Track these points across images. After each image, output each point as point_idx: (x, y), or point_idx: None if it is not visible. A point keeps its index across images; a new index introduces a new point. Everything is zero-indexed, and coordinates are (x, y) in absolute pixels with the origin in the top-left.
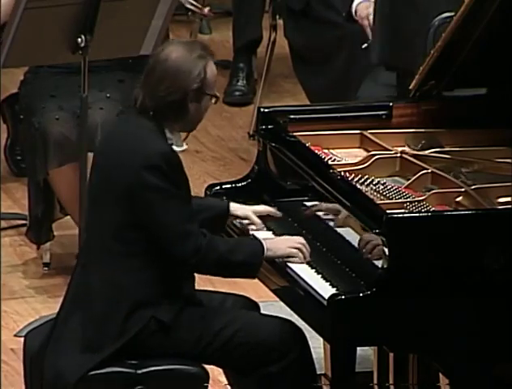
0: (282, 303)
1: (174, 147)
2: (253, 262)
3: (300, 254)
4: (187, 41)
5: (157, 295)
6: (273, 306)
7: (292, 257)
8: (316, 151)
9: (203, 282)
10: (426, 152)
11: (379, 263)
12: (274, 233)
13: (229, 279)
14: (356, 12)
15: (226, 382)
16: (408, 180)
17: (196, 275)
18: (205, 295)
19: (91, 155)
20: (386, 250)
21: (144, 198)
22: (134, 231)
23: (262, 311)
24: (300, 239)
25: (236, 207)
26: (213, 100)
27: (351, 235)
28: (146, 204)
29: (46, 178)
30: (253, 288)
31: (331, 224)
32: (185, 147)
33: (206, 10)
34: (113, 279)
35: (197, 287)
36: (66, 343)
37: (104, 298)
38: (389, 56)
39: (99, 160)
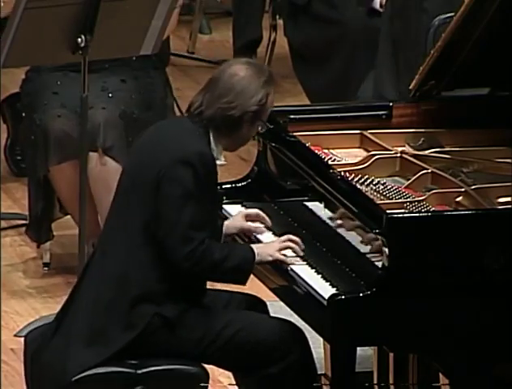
0: (282, 303)
1: None
2: (243, 268)
3: (288, 260)
4: (257, 64)
5: (166, 291)
6: (273, 306)
7: (287, 251)
8: (316, 151)
9: None
10: (426, 152)
11: (379, 263)
12: (274, 234)
13: None
14: (381, 4)
15: (226, 383)
16: (408, 180)
17: None
18: (212, 293)
19: (92, 154)
20: (386, 250)
21: (167, 189)
22: (154, 223)
23: None
24: (288, 236)
25: (228, 227)
26: (260, 128)
27: (351, 235)
28: (166, 195)
29: (46, 176)
30: (253, 289)
31: (332, 224)
32: (223, 161)
33: None
34: (128, 268)
35: None
36: (71, 337)
37: (113, 287)
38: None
39: (138, 151)
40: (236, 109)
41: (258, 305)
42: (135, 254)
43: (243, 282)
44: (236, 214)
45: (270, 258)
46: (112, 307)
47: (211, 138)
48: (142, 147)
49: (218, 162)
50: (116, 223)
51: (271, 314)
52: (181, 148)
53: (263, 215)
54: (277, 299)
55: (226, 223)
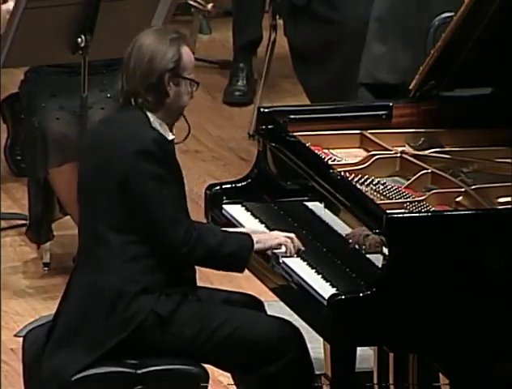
0: (282, 303)
1: None
2: (242, 255)
3: (290, 244)
4: (160, 28)
5: (156, 283)
6: (273, 306)
7: (282, 246)
8: (316, 151)
9: (203, 282)
10: (426, 152)
11: (379, 263)
12: None
13: (228, 278)
14: None
15: (226, 383)
16: (408, 180)
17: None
18: (208, 292)
19: None
20: (386, 250)
21: (139, 184)
22: (131, 219)
23: None
24: (289, 234)
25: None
26: (194, 88)
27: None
28: (140, 190)
29: (46, 177)
30: (253, 288)
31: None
32: (172, 136)
33: (209, 6)
34: (113, 268)
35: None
36: (65, 341)
37: (104, 291)
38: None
39: (88, 158)
40: (152, 74)
41: (256, 304)
42: (117, 256)
43: (241, 269)
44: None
45: (271, 243)
46: (106, 313)
47: (150, 118)
48: (92, 150)
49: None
50: (89, 231)
51: (271, 314)
52: (135, 140)
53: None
54: (277, 299)
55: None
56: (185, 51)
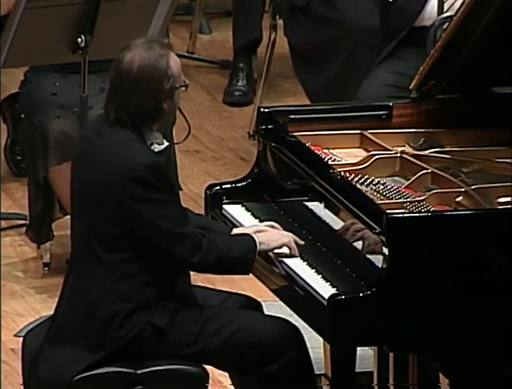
0: (282, 303)
1: (156, 147)
2: (248, 258)
3: (293, 244)
4: (144, 43)
5: (151, 298)
6: (273, 306)
7: (286, 246)
8: (316, 151)
9: (203, 282)
10: (426, 152)
11: (379, 263)
12: None
13: (228, 279)
14: None
15: (226, 383)
16: (408, 180)
17: (194, 274)
18: (206, 293)
19: None
20: (386, 250)
21: (135, 211)
22: (125, 240)
23: None
24: (292, 235)
25: (238, 232)
26: (183, 89)
27: None
28: (137, 216)
29: (46, 177)
30: (253, 288)
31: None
32: (166, 143)
33: None
34: (107, 286)
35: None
36: (62, 344)
37: (100, 308)
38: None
39: (80, 171)
40: (150, 101)
41: (254, 306)
42: (110, 273)
43: (247, 272)
44: (249, 226)
45: (275, 244)
46: (101, 327)
47: (145, 134)
48: (84, 162)
49: (162, 147)
50: (82, 245)
51: (270, 314)
52: (128, 165)
53: (278, 227)
54: (277, 299)
55: (239, 230)
56: (173, 61)
